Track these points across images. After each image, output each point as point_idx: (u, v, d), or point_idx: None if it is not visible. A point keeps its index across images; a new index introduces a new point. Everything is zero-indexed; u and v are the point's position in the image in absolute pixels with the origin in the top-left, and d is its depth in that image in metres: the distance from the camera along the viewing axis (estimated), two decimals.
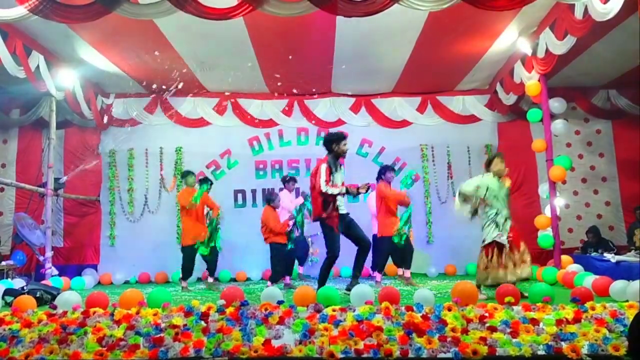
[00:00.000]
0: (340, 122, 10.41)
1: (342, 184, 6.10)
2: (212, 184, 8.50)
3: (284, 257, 7.86)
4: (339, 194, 5.99)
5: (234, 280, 9.49)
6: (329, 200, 5.97)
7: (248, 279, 9.64)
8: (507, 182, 6.30)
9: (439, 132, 10.47)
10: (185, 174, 8.28)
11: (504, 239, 5.98)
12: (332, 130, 6.93)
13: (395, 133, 10.48)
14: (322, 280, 6.10)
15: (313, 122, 10.37)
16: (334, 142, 6.08)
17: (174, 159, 10.26)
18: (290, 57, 8.19)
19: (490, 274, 6.02)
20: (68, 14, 6.01)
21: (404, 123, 10.48)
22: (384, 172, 8.06)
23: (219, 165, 10.34)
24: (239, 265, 9.70)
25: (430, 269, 9.60)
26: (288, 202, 8.52)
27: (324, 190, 5.89)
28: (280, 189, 8.77)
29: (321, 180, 5.93)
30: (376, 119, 10.47)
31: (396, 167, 9.89)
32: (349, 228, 6.16)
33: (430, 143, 10.48)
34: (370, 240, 6.65)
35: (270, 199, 8.09)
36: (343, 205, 6.13)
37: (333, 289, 5.48)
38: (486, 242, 6.03)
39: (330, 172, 5.95)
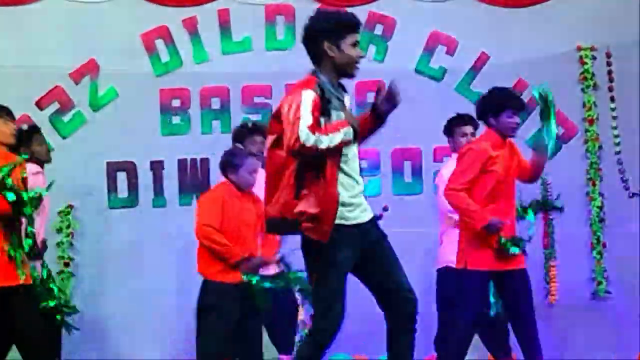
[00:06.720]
0: None
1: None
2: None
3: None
4: (338, 145, 2.67)
5: None
6: (317, 177, 2.62)
7: None
8: None
9: (625, 17, 5.52)
10: None
11: None
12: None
13: (513, 20, 5.74)
14: None
15: None
16: (326, 37, 2.64)
17: None
18: None
19: None
20: None
21: None
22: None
23: (66, 101, 5.31)
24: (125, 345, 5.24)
25: None
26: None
27: (302, 141, 2.57)
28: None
29: (299, 126, 2.57)
30: None
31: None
32: (374, 261, 2.83)
33: (604, 42, 5.62)
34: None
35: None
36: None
37: None
38: None
39: (318, 110, 2.64)
